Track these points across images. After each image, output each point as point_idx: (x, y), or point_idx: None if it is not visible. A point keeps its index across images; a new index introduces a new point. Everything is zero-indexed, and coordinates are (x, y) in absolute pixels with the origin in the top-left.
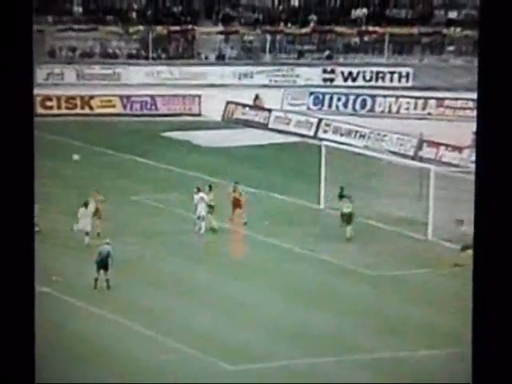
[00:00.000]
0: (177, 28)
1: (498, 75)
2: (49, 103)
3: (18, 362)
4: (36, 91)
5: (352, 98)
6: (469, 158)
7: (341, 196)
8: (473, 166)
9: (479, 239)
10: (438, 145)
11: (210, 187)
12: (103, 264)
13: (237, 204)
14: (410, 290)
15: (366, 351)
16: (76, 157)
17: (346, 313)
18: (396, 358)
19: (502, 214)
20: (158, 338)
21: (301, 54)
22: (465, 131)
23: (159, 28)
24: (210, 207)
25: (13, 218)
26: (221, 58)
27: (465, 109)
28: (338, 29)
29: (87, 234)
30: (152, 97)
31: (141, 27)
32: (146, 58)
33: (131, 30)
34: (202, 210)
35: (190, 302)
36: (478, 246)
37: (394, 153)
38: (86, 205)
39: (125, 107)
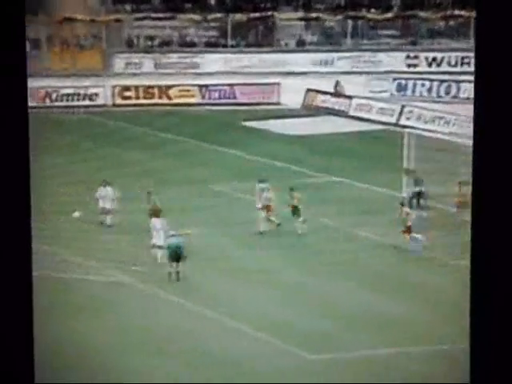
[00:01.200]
0: (256, 15)
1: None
2: (127, 93)
3: (16, 361)
4: (114, 81)
5: (436, 83)
6: None
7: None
8: None
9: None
10: None
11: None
12: (175, 256)
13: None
14: None
15: (448, 342)
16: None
17: (429, 303)
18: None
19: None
20: (236, 327)
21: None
22: None
23: (238, 15)
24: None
25: (8, 214)
26: (301, 45)
27: None
28: (422, 13)
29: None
30: (230, 86)
31: (219, 14)
32: (225, 45)
33: (210, 17)
34: (263, 200)
35: (269, 291)
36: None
37: None
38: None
39: (203, 97)
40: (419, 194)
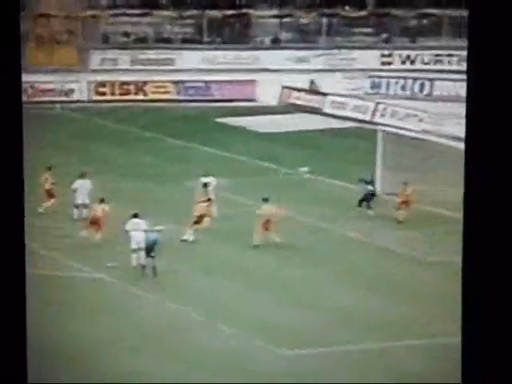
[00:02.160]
0: (232, 12)
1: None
2: (102, 89)
3: (11, 361)
4: (90, 77)
5: (410, 81)
6: None
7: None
8: None
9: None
10: None
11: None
12: (150, 251)
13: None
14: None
15: (421, 337)
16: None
17: (400, 298)
18: (451, 343)
19: (494, 201)
20: (213, 324)
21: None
22: None
23: (214, 12)
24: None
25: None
26: (276, 42)
27: None
28: (396, 11)
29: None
30: (206, 82)
31: (195, 11)
32: (201, 42)
33: (185, 14)
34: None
35: (244, 287)
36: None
37: (453, 137)
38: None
39: (179, 93)
40: (371, 195)
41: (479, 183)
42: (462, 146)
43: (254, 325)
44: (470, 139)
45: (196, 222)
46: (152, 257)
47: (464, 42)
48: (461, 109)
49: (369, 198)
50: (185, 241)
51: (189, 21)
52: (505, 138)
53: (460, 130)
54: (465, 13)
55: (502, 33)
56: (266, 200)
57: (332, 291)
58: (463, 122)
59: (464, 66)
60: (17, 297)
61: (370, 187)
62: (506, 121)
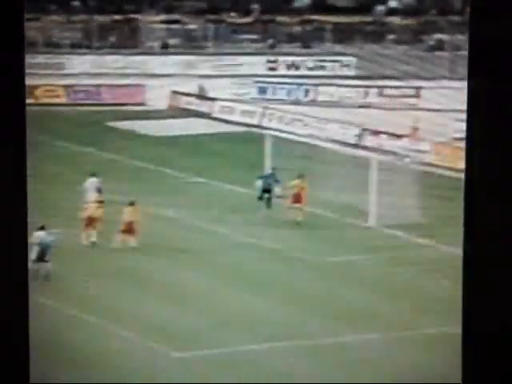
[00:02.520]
0: (120, 17)
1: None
2: None
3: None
4: None
5: (295, 87)
6: (409, 146)
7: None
8: (413, 155)
9: (469, 238)
10: (379, 133)
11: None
12: (43, 254)
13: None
14: (353, 275)
15: (312, 337)
16: None
17: (291, 299)
18: (341, 342)
19: (491, 206)
20: (104, 325)
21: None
22: (405, 119)
23: (102, 17)
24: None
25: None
26: (164, 48)
27: (405, 97)
28: (281, 18)
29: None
30: (96, 86)
31: (83, 16)
32: (90, 47)
33: (74, 19)
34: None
35: (136, 290)
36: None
37: (337, 141)
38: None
39: (69, 97)
40: (267, 197)
41: (478, 184)
42: (343, 149)
43: (146, 327)
44: (470, 139)
45: (88, 225)
46: (45, 261)
47: (346, 48)
48: (344, 114)
49: (266, 196)
50: (83, 243)
51: (77, 25)
52: (503, 140)
53: (342, 135)
54: (346, 19)
55: (502, 35)
56: (131, 203)
57: (223, 293)
58: (346, 126)
59: (346, 72)
60: (18, 298)
61: (269, 185)
62: (503, 121)
